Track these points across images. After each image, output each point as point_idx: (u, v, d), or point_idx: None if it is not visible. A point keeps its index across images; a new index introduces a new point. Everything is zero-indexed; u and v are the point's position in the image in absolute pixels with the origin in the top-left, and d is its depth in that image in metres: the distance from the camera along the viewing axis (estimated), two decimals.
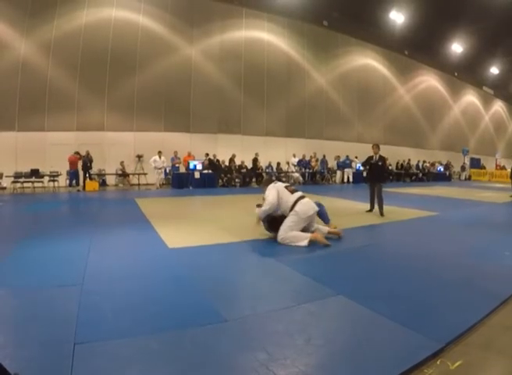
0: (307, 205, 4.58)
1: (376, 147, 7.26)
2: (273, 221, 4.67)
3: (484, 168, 26.77)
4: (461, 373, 1.82)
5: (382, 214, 6.77)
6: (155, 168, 13.37)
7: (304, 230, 4.55)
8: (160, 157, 13.50)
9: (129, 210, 7.58)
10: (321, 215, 5.17)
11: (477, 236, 5.22)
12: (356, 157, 18.78)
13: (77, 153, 12.47)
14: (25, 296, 2.69)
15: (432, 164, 22.73)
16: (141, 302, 2.61)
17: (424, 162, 22.33)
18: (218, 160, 15.15)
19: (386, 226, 5.96)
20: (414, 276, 3.31)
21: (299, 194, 4.69)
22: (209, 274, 3.30)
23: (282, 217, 4.59)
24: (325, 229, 4.82)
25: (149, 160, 13.62)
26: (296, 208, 4.49)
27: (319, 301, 2.67)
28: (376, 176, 7.24)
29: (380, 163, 7.15)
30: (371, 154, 7.32)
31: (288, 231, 4.41)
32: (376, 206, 7.06)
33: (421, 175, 21.44)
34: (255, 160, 16.13)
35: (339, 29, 20.48)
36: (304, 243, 4.30)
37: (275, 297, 2.78)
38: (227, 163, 15.40)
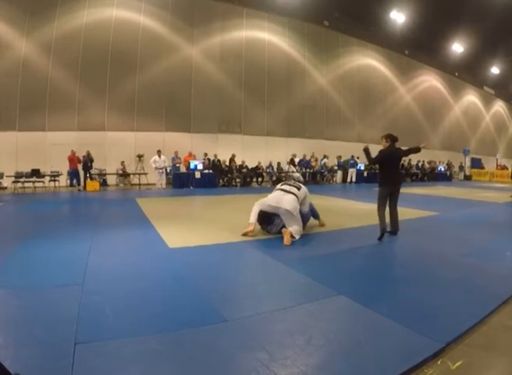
0: (273, 198, 4.91)
1: (384, 139, 5.15)
2: (264, 215, 4.94)
3: (483, 168, 26.75)
4: (462, 373, 1.81)
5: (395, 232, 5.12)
6: (156, 168, 13.31)
7: (278, 221, 4.85)
8: (160, 156, 13.37)
9: (130, 210, 7.59)
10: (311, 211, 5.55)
11: (477, 236, 5.21)
12: (357, 157, 18.78)
13: (72, 151, 12.44)
14: (26, 296, 2.69)
15: (430, 162, 22.62)
16: (142, 302, 2.61)
17: (423, 162, 22.30)
18: (218, 160, 15.17)
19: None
20: (415, 275, 3.31)
21: (283, 187, 5.09)
22: (210, 274, 3.30)
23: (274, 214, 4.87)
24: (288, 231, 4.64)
25: (149, 161, 13.57)
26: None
27: (319, 301, 2.67)
28: (397, 178, 5.29)
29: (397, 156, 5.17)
30: (371, 155, 5.35)
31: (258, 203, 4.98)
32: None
33: (420, 175, 21.44)
34: (292, 161, 16.49)
35: (340, 29, 20.47)
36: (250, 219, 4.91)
37: (275, 297, 2.78)
38: (228, 163, 15.42)
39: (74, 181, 12.46)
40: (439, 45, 22.97)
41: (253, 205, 5.01)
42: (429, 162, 22.73)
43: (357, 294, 2.76)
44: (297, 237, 4.64)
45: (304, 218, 5.13)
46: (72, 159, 12.29)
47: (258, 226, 5.03)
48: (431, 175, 21.86)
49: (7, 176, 11.81)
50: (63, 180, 12.91)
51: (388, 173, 5.09)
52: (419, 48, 23.54)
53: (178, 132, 15.96)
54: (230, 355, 1.92)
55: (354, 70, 21.66)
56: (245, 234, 4.76)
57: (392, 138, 5.13)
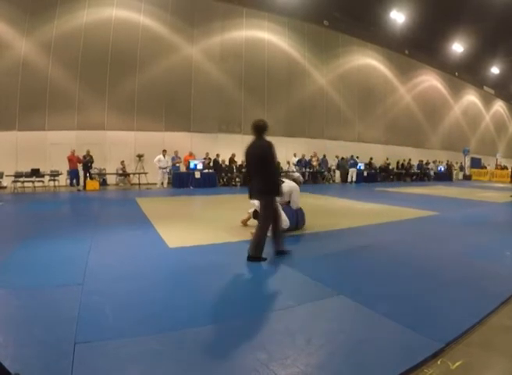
0: None
1: (255, 128, 3.69)
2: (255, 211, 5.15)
3: (485, 168, 26.76)
4: (462, 372, 1.82)
5: (278, 252, 3.79)
6: (160, 168, 13.37)
7: None
8: (164, 156, 13.54)
9: (130, 210, 7.59)
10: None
11: (477, 236, 5.20)
12: (357, 157, 18.81)
13: (73, 151, 12.45)
14: (26, 296, 2.69)
15: (427, 163, 22.63)
16: (142, 302, 2.61)
17: (421, 161, 22.27)
18: (223, 160, 15.23)
19: (386, 226, 5.95)
20: (415, 275, 3.30)
21: None
22: (209, 274, 3.30)
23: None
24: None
25: (153, 160, 13.55)
26: None
27: (319, 301, 2.67)
28: (256, 185, 3.73)
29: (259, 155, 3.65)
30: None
31: None
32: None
33: (421, 175, 21.45)
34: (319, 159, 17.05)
35: (340, 28, 20.48)
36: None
37: (275, 296, 2.78)
38: (227, 163, 15.44)
39: (74, 181, 12.46)
40: (439, 45, 22.97)
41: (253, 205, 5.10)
42: (427, 163, 22.65)
43: (357, 294, 2.76)
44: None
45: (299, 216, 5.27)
46: (72, 159, 12.30)
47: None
48: (430, 175, 21.88)
49: (7, 176, 11.80)
50: (63, 180, 12.90)
51: (248, 176, 3.81)
52: (419, 47, 23.54)
53: (178, 132, 15.95)
54: (230, 354, 1.92)
55: (354, 70, 21.65)
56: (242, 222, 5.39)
57: (256, 128, 3.66)
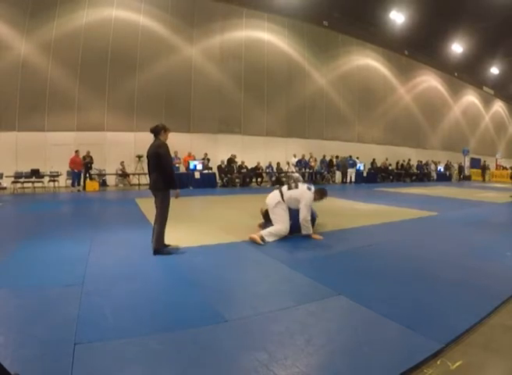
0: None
1: (150, 131, 4.12)
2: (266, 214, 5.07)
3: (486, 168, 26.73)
4: (461, 373, 1.82)
5: (154, 250, 3.93)
6: None
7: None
8: None
9: (130, 210, 7.57)
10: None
11: (477, 236, 5.21)
12: (357, 157, 18.81)
13: (76, 152, 12.44)
14: (25, 296, 2.69)
15: (426, 163, 22.61)
16: (141, 302, 2.61)
17: (420, 162, 22.26)
18: (222, 161, 15.26)
19: (386, 226, 5.95)
20: (414, 276, 3.30)
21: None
22: (209, 274, 3.30)
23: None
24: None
25: None
26: None
27: (319, 301, 2.67)
28: (153, 180, 4.09)
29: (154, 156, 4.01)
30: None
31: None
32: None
33: (420, 175, 21.45)
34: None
35: (340, 29, 20.49)
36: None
37: (275, 297, 2.78)
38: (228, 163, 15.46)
39: (75, 182, 12.44)
40: (438, 45, 22.98)
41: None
42: (425, 164, 22.64)
43: (357, 294, 2.77)
44: (269, 239, 4.50)
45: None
46: (75, 161, 12.26)
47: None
48: (430, 175, 21.88)
49: (6, 177, 11.80)
50: (62, 181, 12.90)
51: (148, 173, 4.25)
52: (419, 48, 23.56)
53: (177, 132, 15.88)
54: (230, 355, 1.92)
55: (354, 70, 21.67)
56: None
57: (151, 131, 4.08)
